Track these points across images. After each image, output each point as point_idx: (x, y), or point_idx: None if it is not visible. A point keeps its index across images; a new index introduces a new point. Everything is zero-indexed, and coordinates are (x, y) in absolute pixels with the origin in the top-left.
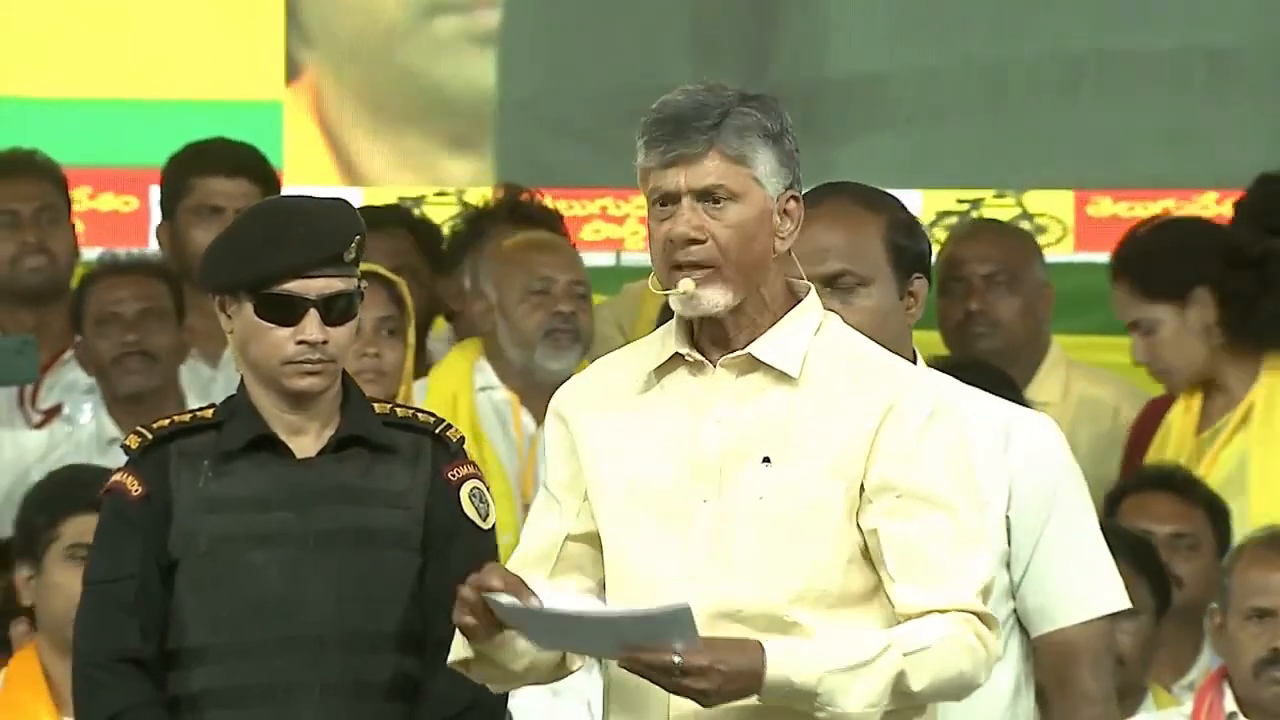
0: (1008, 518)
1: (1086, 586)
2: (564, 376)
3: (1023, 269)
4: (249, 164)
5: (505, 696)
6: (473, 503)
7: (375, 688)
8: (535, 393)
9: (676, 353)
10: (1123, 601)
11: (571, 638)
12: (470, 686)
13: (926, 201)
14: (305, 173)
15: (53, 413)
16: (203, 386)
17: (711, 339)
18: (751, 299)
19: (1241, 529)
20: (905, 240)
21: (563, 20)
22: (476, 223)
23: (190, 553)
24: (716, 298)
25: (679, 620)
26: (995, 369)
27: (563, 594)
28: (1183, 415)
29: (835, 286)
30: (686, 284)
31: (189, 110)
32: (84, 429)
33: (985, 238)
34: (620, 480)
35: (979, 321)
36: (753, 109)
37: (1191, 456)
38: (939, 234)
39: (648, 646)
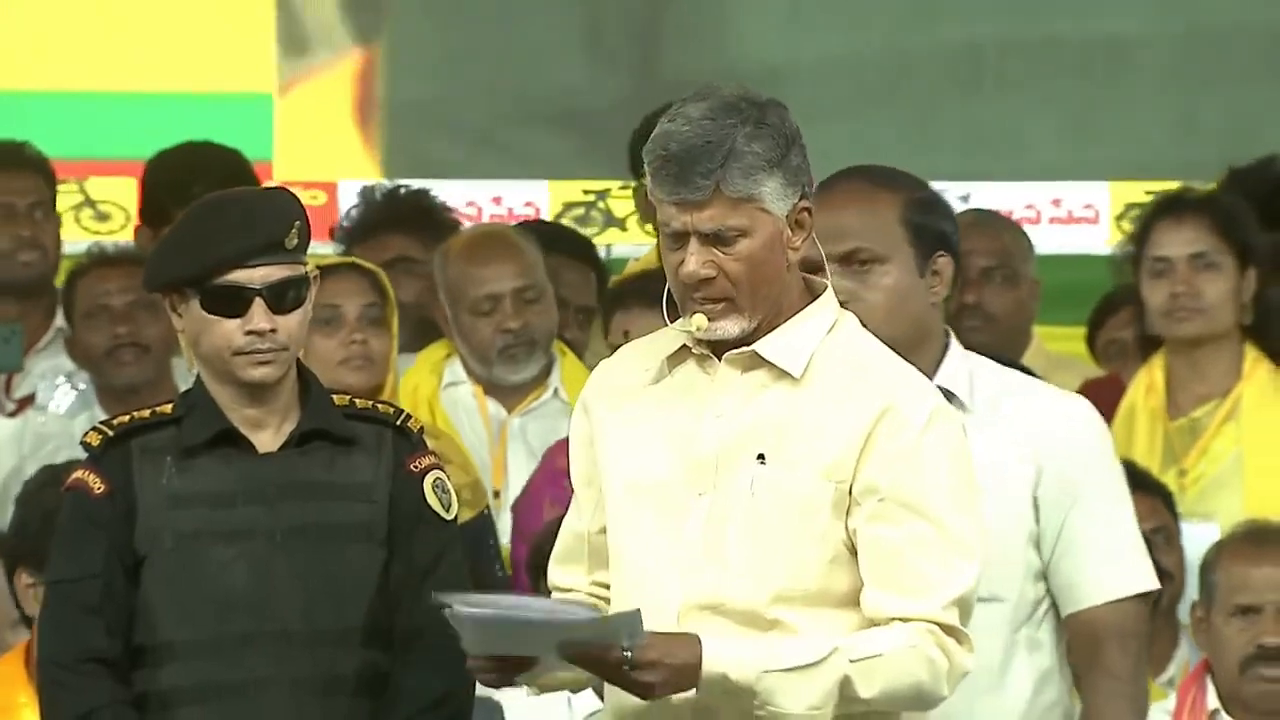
0: (1035, 498)
1: (1115, 566)
2: (527, 382)
3: (1020, 265)
4: (238, 173)
5: (474, 690)
6: (436, 493)
7: (344, 682)
8: (498, 385)
9: (687, 345)
10: (1151, 582)
11: (514, 640)
12: (440, 680)
13: (1114, 193)
14: (295, 166)
15: (26, 401)
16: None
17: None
18: (770, 308)
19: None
20: (923, 218)
21: (452, 19)
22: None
23: (157, 549)
24: (730, 327)
25: (630, 622)
26: (1022, 367)
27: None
28: (1145, 396)
29: (851, 264)
30: (700, 320)
31: (180, 102)
32: (76, 423)
33: (987, 231)
34: (623, 471)
35: (972, 315)
36: (753, 137)
37: (1169, 444)
38: (1126, 226)
39: (597, 644)
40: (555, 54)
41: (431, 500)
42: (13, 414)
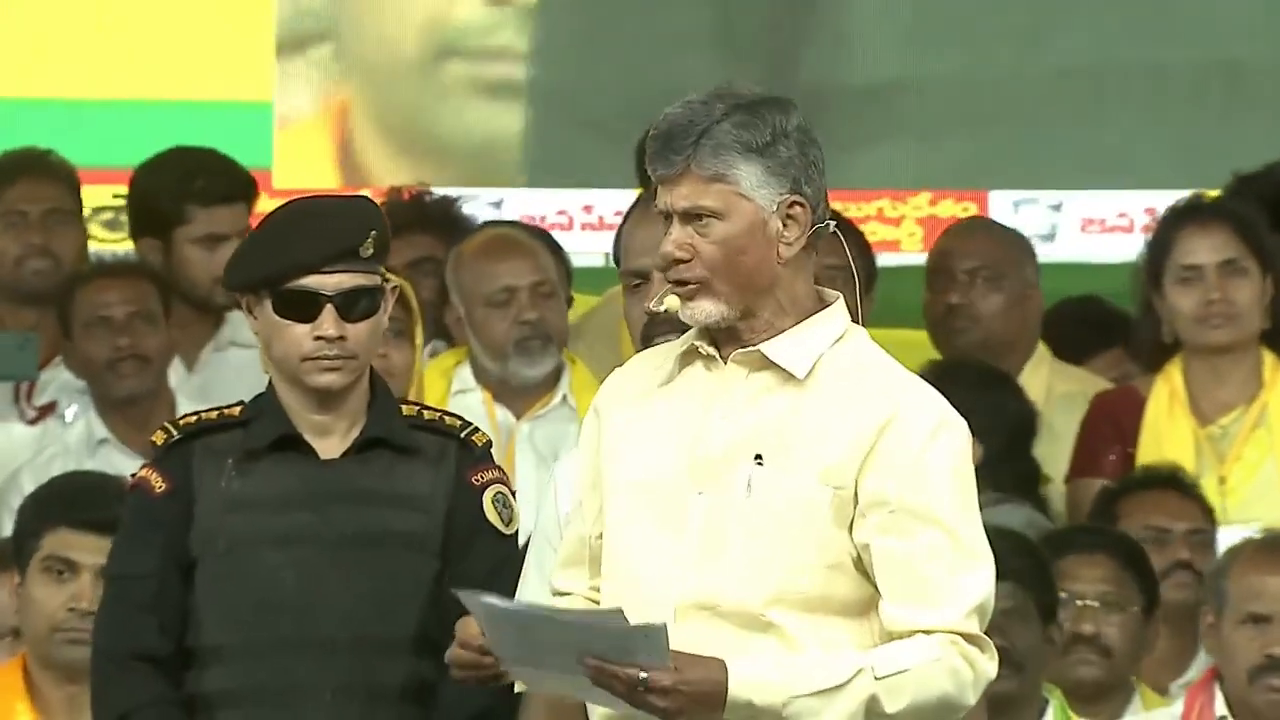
0: None
1: None
2: (540, 380)
3: (1009, 268)
4: (230, 173)
5: (518, 703)
6: (495, 507)
7: (389, 691)
8: (507, 390)
9: (694, 346)
10: None
11: (538, 649)
12: (481, 694)
13: None
14: (295, 174)
15: (47, 410)
16: (181, 390)
17: (727, 337)
18: (763, 305)
19: None
20: None
21: (594, 22)
22: None
23: (210, 551)
24: (709, 309)
25: (652, 638)
26: (982, 364)
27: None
28: (1170, 404)
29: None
30: (670, 301)
31: (180, 110)
32: (73, 430)
33: (976, 235)
34: (627, 470)
35: (960, 315)
36: (736, 123)
37: (1199, 451)
38: None
39: (615, 660)
40: (688, 61)
41: (490, 514)
42: (33, 421)
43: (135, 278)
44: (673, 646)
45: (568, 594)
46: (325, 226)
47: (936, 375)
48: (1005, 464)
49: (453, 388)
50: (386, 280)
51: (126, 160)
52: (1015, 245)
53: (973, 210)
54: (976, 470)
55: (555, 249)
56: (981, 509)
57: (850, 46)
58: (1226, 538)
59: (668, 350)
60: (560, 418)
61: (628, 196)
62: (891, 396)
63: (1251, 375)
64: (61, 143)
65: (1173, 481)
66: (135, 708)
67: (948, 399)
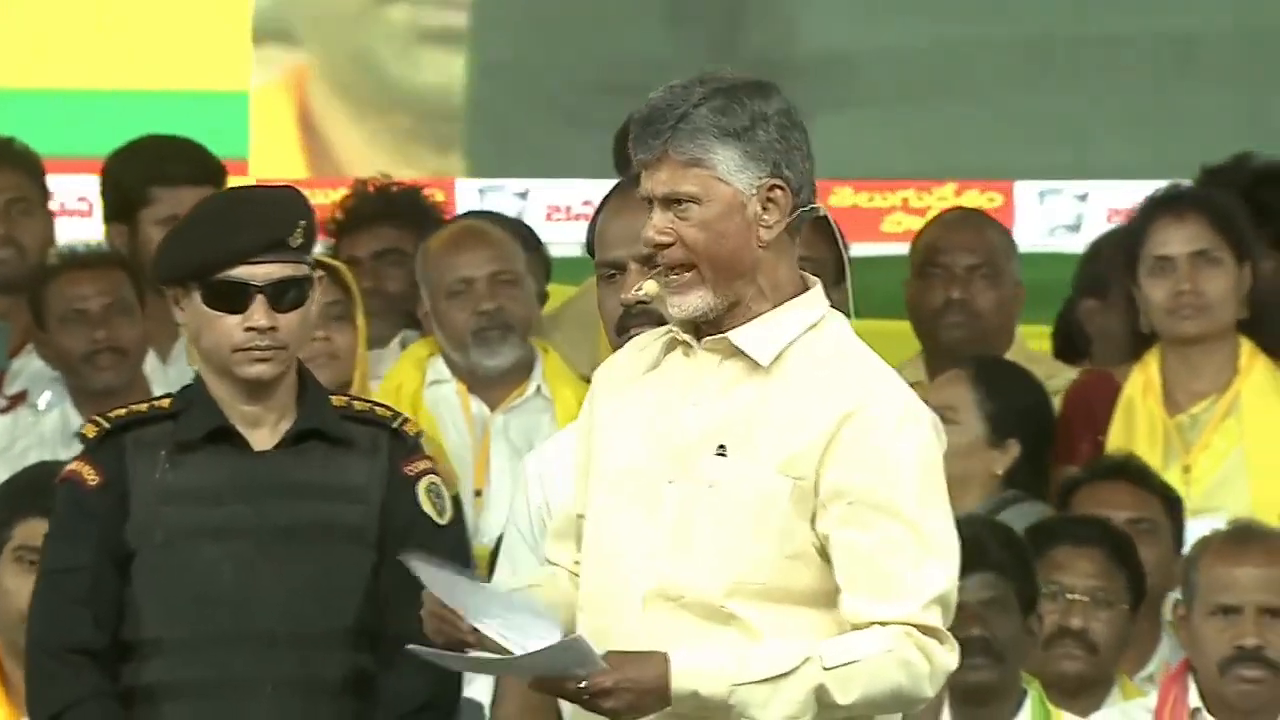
0: None
1: None
2: (504, 370)
3: (1004, 264)
4: (203, 163)
5: (459, 693)
6: (430, 498)
7: (328, 684)
8: (480, 381)
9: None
10: None
11: (486, 669)
12: (426, 683)
13: None
14: (272, 164)
15: (18, 399)
16: (157, 381)
17: (709, 323)
18: (744, 290)
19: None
20: None
21: None
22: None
23: (146, 544)
24: (696, 303)
25: (575, 650)
26: (1018, 365)
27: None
28: (1143, 393)
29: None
30: (649, 286)
31: (156, 101)
32: (47, 420)
33: (974, 231)
34: (612, 459)
35: (957, 310)
36: (714, 108)
37: (1168, 441)
38: None
39: (553, 677)
40: (638, 29)
41: (425, 505)
42: (4, 410)
43: (108, 267)
44: (638, 637)
45: (555, 565)
46: (254, 217)
47: (979, 375)
48: (1031, 463)
49: (428, 378)
50: (314, 270)
51: (102, 151)
52: (1008, 241)
53: (999, 201)
54: (1009, 471)
55: (528, 240)
56: (1002, 508)
57: (799, 18)
58: (1193, 529)
59: (656, 335)
60: (534, 408)
61: None
62: (858, 387)
63: (1225, 365)
64: (36, 133)
65: (1125, 471)
66: (74, 701)
67: (996, 401)
